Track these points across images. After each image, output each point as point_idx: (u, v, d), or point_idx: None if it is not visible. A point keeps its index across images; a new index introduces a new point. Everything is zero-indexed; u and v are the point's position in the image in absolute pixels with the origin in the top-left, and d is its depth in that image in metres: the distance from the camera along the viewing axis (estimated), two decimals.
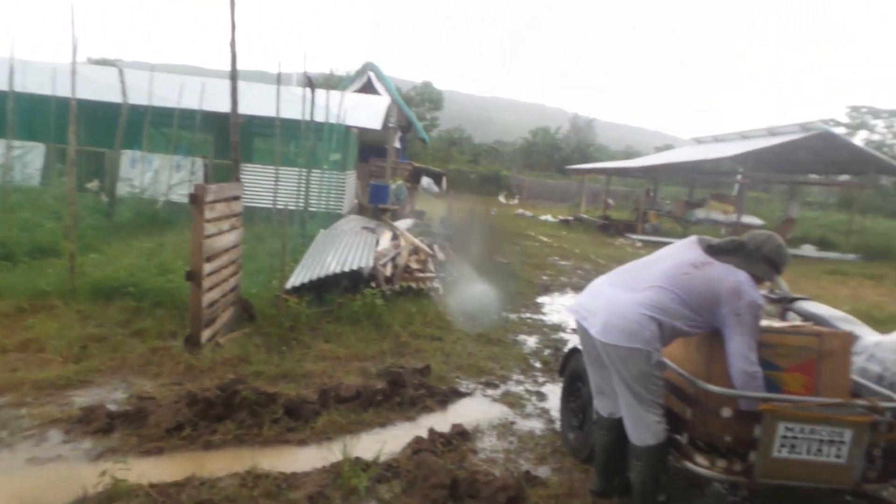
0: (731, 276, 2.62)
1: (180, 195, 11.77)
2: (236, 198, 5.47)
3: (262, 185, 12.08)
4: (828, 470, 2.58)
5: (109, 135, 11.02)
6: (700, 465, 2.65)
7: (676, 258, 2.76)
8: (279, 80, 8.77)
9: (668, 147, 46.16)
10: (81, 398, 3.76)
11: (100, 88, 11.90)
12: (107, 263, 6.45)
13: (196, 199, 4.53)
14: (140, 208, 10.24)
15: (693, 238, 2.89)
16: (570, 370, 3.71)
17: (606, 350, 2.67)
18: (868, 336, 3.35)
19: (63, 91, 11.33)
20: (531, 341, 5.92)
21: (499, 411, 4.13)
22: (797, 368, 2.75)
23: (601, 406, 2.99)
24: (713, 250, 2.75)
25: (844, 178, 23.62)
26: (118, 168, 10.77)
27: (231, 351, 4.65)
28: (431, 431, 3.55)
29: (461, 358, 5.13)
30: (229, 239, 5.26)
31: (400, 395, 4.07)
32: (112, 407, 3.60)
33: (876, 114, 46.41)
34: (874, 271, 13.96)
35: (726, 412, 2.67)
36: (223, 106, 12.76)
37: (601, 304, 2.75)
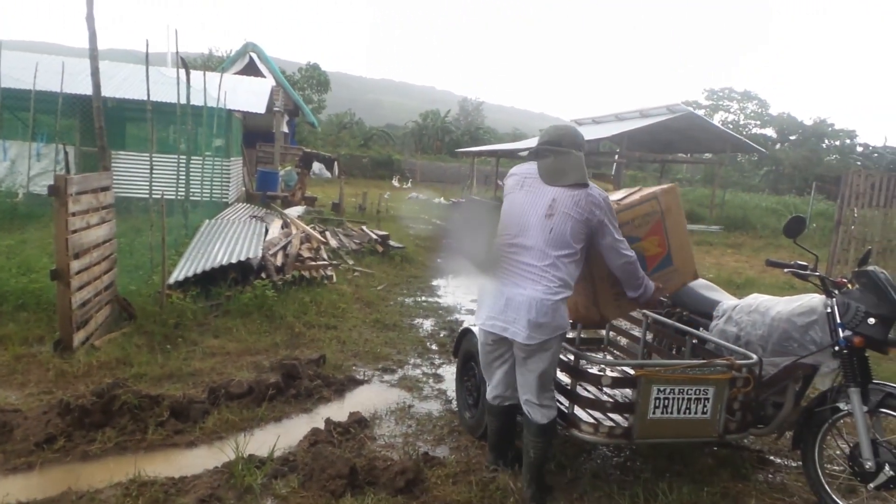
0: (582, 199, 2.69)
1: (42, 186, 10.73)
2: (105, 188, 5.08)
3: (138, 173, 11.29)
4: (695, 425, 2.85)
5: None
6: (586, 432, 2.83)
7: (534, 213, 2.74)
8: (147, 59, 8.18)
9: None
10: None
11: None
12: None
13: (57, 191, 4.17)
14: None
15: (516, 173, 2.94)
16: (464, 351, 3.81)
17: (529, 349, 2.68)
18: (727, 300, 3.70)
19: None
20: (427, 324, 6.01)
21: (396, 396, 4.17)
22: (650, 233, 3.09)
23: (492, 394, 3.02)
24: (538, 157, 2.88)
25: (708, 156, 25.76)
26: None
27: (109, 353, 4.34)
28: (328, 422, 3.52)
29: (357, 345, 5.12)
30: (99, 233, 4.88)
31: (295, 387, 4.00)
32: None
33: (729, 96, 50.85)
34: (734, 241, 15.41)
35: (606, 380, 2.87)
36: (87, 88, 11.75)
37: (519, 311, 2.65)
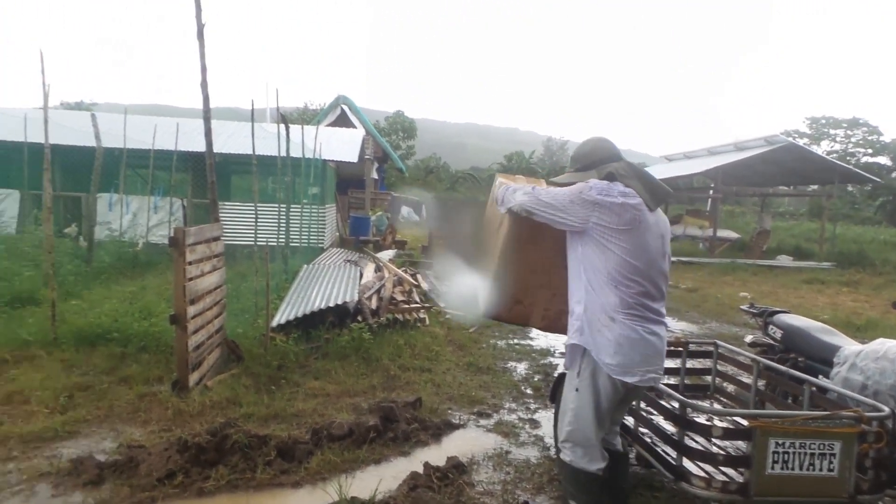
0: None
1: (159, 236, 11.70)
2: (216, 238, 5.46)
3: (242, 222, 12.06)
4: (821, 483, 2.63)
5: (85, 179, 10.92)
6: (697, 486, 2.69)
7: (656, 251, 2.56)
8: (252, 117, 8.81)
9: (640, 166, 46.98)
10: (69, 450, 3.69)
11: (73, 133, 11.85)
12: (88, 310, 6.36)
13: (176, 242, 4.52)
14: (120, 251, 10.14)
15: (627, 202, 2.50)
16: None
17: (644, 390, 2.67)
18: (848, 345, 3.44)
19: (35, 137, 11.26)
20: (521, 368, 5.95)
21: (493, 441, 4.13)
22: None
23: (600, 439, 2.85)
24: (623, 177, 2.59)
25: (813, 188, 24.25)
26: (95, 212, 10.65)
27: (220, 393, 4.60)
28: (427, 466, 3.54)
29: (452, 388, 5.13)
30: (212, 280, 5.23)
31: (393, 430, 4.06)
32: (101, 457, 3.54)
33: (835, 124, 47.83)
34: (849, 278, 14.27)
35: (716, 431, 2.72)
36: (198, 145, 12.76)
37: (660, 357, 2.55)
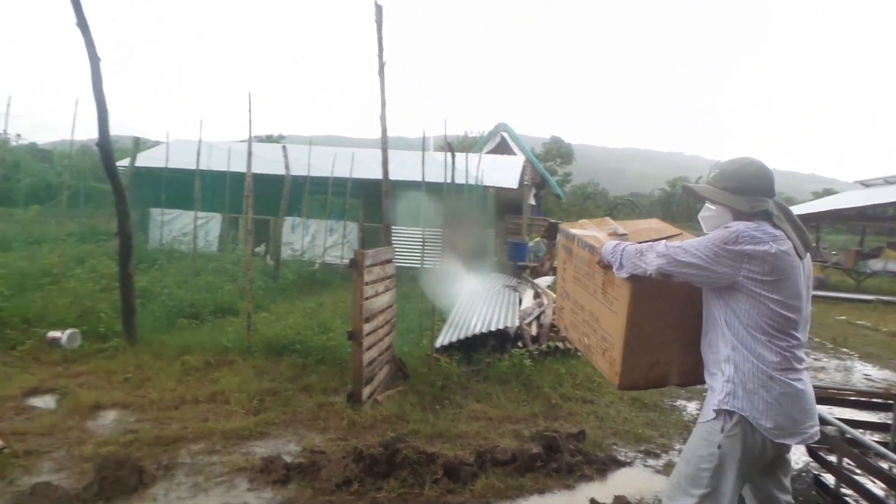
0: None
1: (334, 257, 12.68)
2: (389, 260, 5.79)
3: (407, 245, 12.70)
4: None
5: (273, 203, 12.22)
6: None
7: (806, 299, 2.31)
8: (423, 146, 9.29)
9: (828, 192, 42.32)
10: (261, 449, 4.09)
11: (265, 163, 13.32)
12: (275, 322, 7.05)
13: (356, 264, 4.87)
14: (300, 270, 11.14)
15: (776, 250, 2.19)
16: None
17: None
18: None
19: (236, 167, 12.84)
20: (691, 407, 5.56)
21: (662, 483, 3.88)
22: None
23: None
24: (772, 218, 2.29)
25: None
26: (281, 233, 11.85)
27: (388, 408, 4.84)
28: (593, 502, 3.42)
29: (616, 423, 4.93)
30: (384, 300, 5.55)
31: (556, 460, 3.99)
32: (288, 458, 3.88)
33: None
34: None
35: None
36: (369, 173, 13.77)
37: (814, 410, 2.28)
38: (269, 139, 35.78)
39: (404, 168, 14.37)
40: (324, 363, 5.85)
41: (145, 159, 13.78)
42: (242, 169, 7.30)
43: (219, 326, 6.95)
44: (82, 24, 5.89)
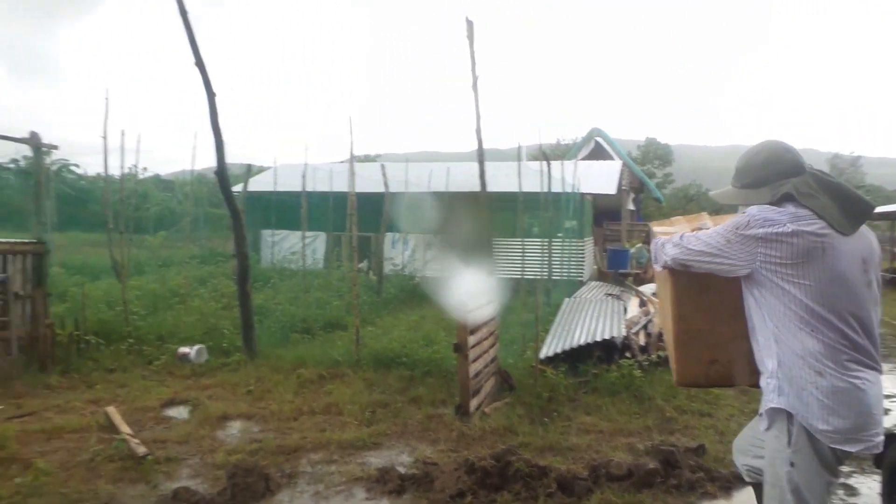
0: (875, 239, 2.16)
1: (433, 270, 12.89)
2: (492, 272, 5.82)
3: (506, 257, 12.68)
4: None
5: (373, 220, 12.62)
6: None
7: (855, 280, 2.07)
8: (519, 156, 9.32)
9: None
10: (375, 459, 4.21)
11: (364, 181, 13.82)
12: (382, 335, 7.26)
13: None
14: (402, 284, 11.42)
15: (799, 230, 1.99)
16: (892, 461, 3.13)
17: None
18: None
19: (338, 187, 13.38)
20: None
21: None
22: None
23: None
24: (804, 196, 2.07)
25: None
26: (382, 249, 12.21)
27: (496, 421, 4.83)
28: None
29: None
30: (487, 312, 5.57)
31: (675, 476, 3.81)
32: (401, 469, 3.96)
33: None
34: None
35: None
36: (462, 186, 13.90)
37: (880, 408, 2.05)
38: (366, 158, 37.05)
39: (497, 179, 14.40)
40: (430, 375, 5.95)
41: (255, 184, 14.70)
42: (343, 188, 7.64)
43: (329, 340, 7.25)
44: (199, 63, 6.40)
